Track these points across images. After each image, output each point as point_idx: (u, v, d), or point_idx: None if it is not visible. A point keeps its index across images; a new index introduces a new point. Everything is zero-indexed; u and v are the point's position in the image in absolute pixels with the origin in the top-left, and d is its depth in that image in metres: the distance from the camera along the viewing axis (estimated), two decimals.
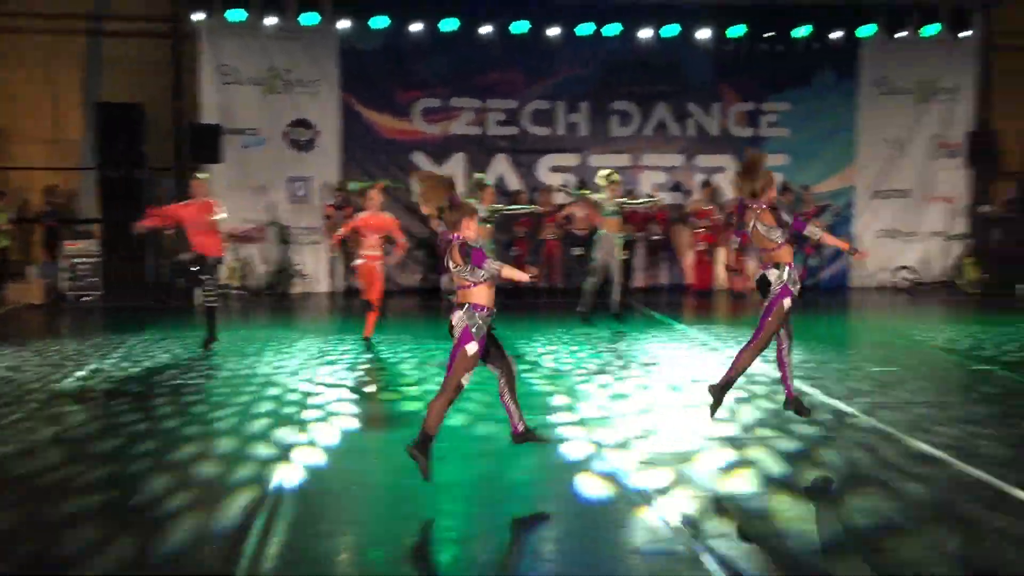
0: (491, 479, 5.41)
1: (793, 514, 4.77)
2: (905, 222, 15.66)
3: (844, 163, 15.66)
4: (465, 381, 5.08)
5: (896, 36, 14.90)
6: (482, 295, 5.06)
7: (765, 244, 6.18)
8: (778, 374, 6.55)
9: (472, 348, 5.02)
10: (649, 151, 15.46)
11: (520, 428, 5.53)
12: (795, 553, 4.28)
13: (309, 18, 14.07)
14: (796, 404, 6.39)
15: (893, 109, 15.50)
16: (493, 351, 5.28)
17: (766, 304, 6.13)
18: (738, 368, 6.27)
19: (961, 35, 14.96)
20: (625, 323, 11.27)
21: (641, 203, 12.26)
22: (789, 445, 6.02)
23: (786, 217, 6.25)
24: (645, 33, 14.58)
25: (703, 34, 14.64)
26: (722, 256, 15.13)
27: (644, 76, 15.19)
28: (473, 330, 5.03)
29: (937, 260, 15.62)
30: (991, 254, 15.37)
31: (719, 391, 6.30)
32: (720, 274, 15.09)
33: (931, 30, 14.80)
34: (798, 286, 6.19)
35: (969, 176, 15.58)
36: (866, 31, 14.75)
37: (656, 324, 11.67)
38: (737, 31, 14.54)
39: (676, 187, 15.51)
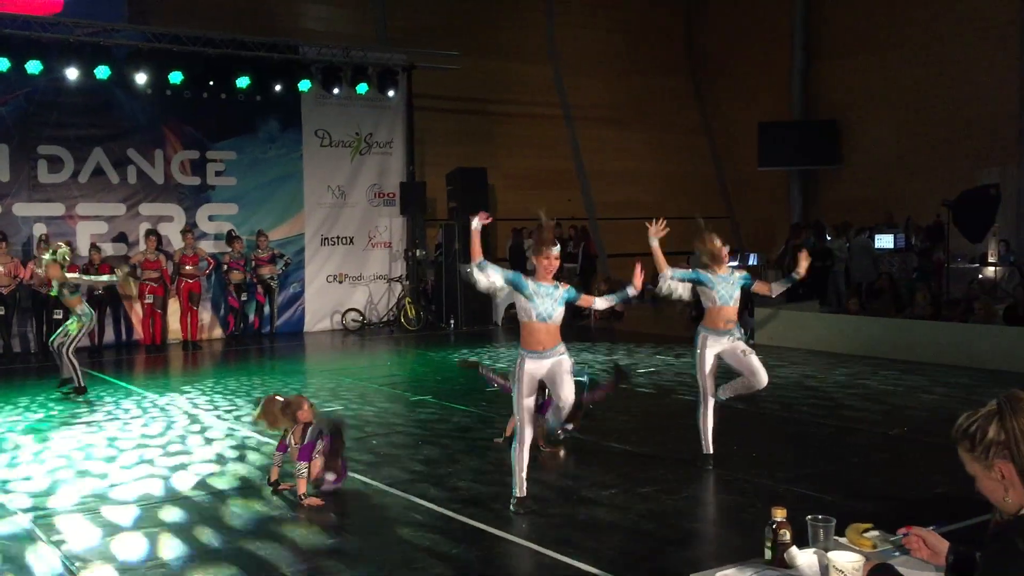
0: None
1: None
2: (351, 267, 16.56)
3: (294, 211, 16.09)
4: None
5: (333, 92, 15.76)
6: None
7: None
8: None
9: None
10: (86, 199, 14.34)
11: None
12: None
13: None
14: None
15: (336, 159, 16.34)
16: None
17: None
18: None
19: (389, 94, 16.31)
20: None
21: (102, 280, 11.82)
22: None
23: None
24: (74, 73, 13.51)
25: (140, 78, 14.01)
26: (173, 307, 14.60)
27: (76, 119, 14.09)
28: None
29: (381, 301, 16.77)
30: (426, 294, 17.13)
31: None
32: (172, 326, 14.55)
33: (362, 89, 15.92)
34: None
35: (404, 223, 17.01)
36: (304, 86, 15.36)
37: (105, 384, 10.84)
38: (176, 77, 14.17)
39: (120, 237, 14.59)
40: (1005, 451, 2.32)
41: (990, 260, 16.31)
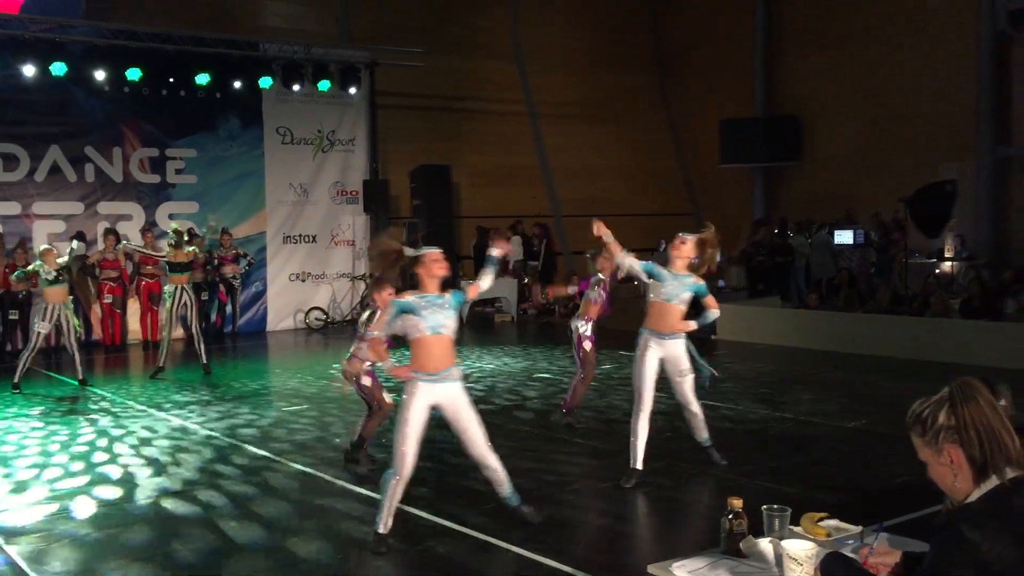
0: None
1: None
2: (314, 265, 16.45)
3: (256, 209, 15.95)
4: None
5: (294, 89, 15.63)
6: None
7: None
8: None
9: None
10: (43, 198, 14.11)
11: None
12: None
13: None
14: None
15: (297, 157, 16.22)
16: None
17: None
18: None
19: (351, 91, 16.23)
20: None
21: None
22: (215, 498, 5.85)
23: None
24: (30, 70, 13.28)
25: (98, 75, 13.80)
26: (134, 307, 14.40)
27: (32, 116, 13.87)
28: None
29: (345, 300, 16.67)
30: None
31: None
32: (132, 326, 14.37)
33: (324, 86, 15.82)
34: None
35: (367, 220, 16.92)
36: (265, 83, 15.22)
37: (61, 385, 10.70)
38: (134, 74, 13.98)
39: (78, 236, 14.36)
40: (955, 436, 2.36)
41: (947, 255, 16.55)
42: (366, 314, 6.86)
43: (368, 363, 6.66)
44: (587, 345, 8.04)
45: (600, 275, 8.01)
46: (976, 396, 2.36)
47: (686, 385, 6.53)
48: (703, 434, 6.78)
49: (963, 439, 2.34)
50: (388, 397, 6.89)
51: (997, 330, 11.39)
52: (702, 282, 6.53)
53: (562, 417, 8.25)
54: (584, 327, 8.04)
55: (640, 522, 5.85)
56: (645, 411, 6.41)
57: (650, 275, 6.44)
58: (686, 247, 6.44)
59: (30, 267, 10.83)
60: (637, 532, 5.63)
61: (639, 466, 6.34)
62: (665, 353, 6.46)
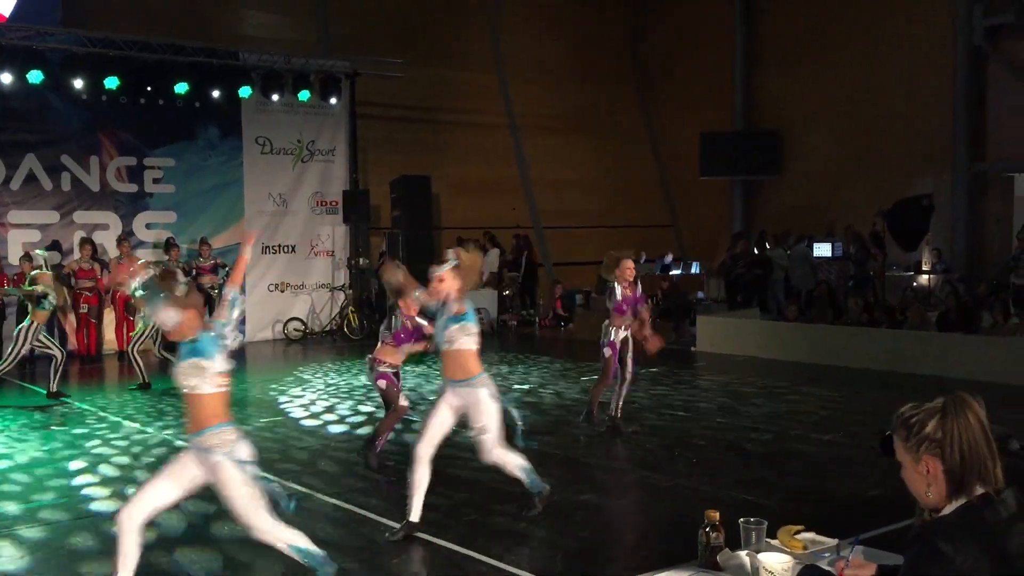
0: None
1: None
2: (293, 276, 16.36)
3: (234, 219, 15.85)
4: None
5: (274, 99, 15.57)
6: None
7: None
8: None
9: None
10: (18, 207, 13.96)
11: None
12: None
13: None
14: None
15: (277, 167, 16.15)
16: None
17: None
18: None
19: (332, 101, 16.19)
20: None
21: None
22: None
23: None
24: (6, 77, 13.17)
25: (76, 83, 13.70)
26: (109, 317, 14.27)
27: (8, 124, 13.74)
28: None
29: (324, 310, 16.59)
30: (370, 302, 17.01)
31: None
32: (107, 336, 14.22)
33: (304, 96, 15.77)
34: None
35: (347, 231, 16.86)
36: (244, 92, 15.16)
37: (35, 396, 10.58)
38: (112, 83, 13.88)
39: (54, 246, 14.23)
40: (937, 449, 2.35)
41: (924, 268, 16.69)
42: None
43: (387, 366, 7.03)
44: (606, 351, 8.18)
45: (616, 285, 8.18)
46: (967, 413, 2.35)
47: (487, 443, 5.56)
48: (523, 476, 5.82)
49: (944, 454, 2.34)
50: (404, 400, 7.22)
51: (973, 343, 11.47)
52: (464, 310, 5.50)
53: (589, 418, 8.49)
54: (613, 333, 8.17)
55: (617, 535, 5.82)
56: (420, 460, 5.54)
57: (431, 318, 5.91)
58: (445, 284, 5.48)
59: (39, 288, 10.50)
60: (614, 545, 5.61)
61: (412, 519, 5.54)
62: (461, 402, 5.56)
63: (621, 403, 8.33)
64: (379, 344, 7.17)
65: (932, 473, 2.37)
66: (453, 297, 5.48)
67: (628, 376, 8.28)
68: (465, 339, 5.47)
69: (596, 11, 22.42)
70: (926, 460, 2.37)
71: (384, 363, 7.04)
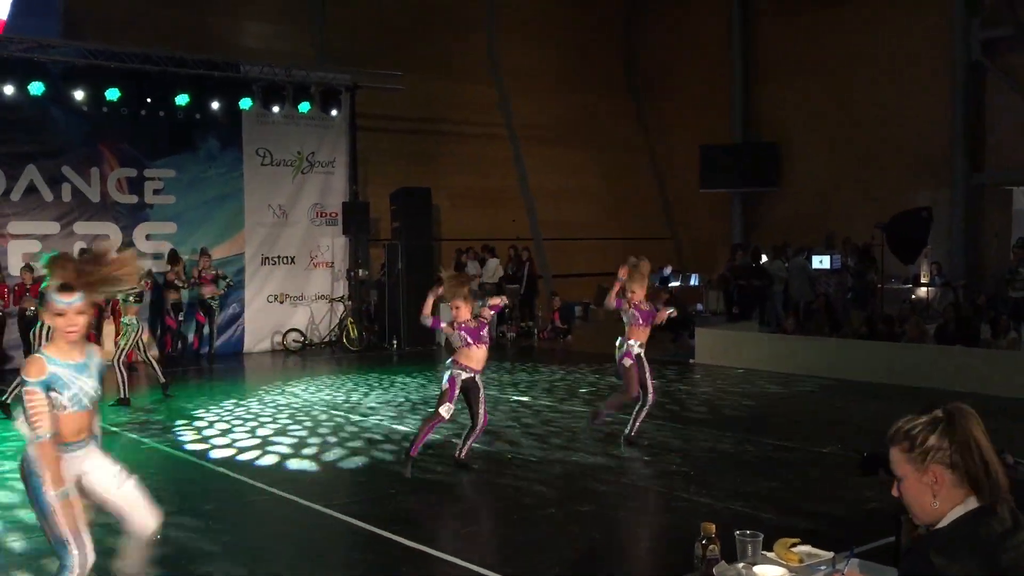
0: None
1: None
2: (292, 287, 16.38)
3: (234, 230, 15.87)
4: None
5: (274, 110, 15.62)
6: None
7: None
8: None
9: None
10: (19, 218, 13.99)
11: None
12: None
13: None
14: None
15: (277, 178, 16.18)
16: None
17: None
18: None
19: (332, 113, 16.24)
20: None
21: None
22: None
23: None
24: (8, 89, 13.22)
25: (77, 95, 13.75)
26: (109, 329, 14.25)
27: (9, 135, 13.78)
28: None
29: (323, 322, 16.60)
30: (369, 314, 17.05)
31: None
32: (107, 347, 14.19)
33: (304, 108, 15.82)
34: None
35: (346, 242, 16.89)
36: (245, 104, 15.21)
37: None
38: (113, 94, 13.93)
39: None
40: (946, 457, 2.33)
41: (923, 281, 16.71)
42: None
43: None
44: (626, 362, 8.24)
45: (632, 301, 8.25)
46: (972, 423, 2.35)
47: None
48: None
49: (954, 461, 2.31)
50: (445, 410, 7.17)
51: (972, 356, 11.48)
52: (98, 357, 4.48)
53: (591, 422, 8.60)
54: (629, 344, 8.26)
55: (613, 547, 5.82)
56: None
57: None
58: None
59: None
60: (611, 557, 5.61)
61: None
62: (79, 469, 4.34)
63: (639, 424, 8.34)
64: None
65: (939, 482, 2.34)
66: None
67: (650, 399, 8.30)
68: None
69: (594, 23, 22.54)
70: (933, 469, 2.34)
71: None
